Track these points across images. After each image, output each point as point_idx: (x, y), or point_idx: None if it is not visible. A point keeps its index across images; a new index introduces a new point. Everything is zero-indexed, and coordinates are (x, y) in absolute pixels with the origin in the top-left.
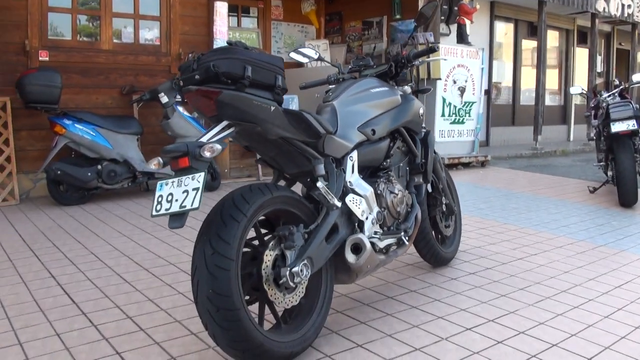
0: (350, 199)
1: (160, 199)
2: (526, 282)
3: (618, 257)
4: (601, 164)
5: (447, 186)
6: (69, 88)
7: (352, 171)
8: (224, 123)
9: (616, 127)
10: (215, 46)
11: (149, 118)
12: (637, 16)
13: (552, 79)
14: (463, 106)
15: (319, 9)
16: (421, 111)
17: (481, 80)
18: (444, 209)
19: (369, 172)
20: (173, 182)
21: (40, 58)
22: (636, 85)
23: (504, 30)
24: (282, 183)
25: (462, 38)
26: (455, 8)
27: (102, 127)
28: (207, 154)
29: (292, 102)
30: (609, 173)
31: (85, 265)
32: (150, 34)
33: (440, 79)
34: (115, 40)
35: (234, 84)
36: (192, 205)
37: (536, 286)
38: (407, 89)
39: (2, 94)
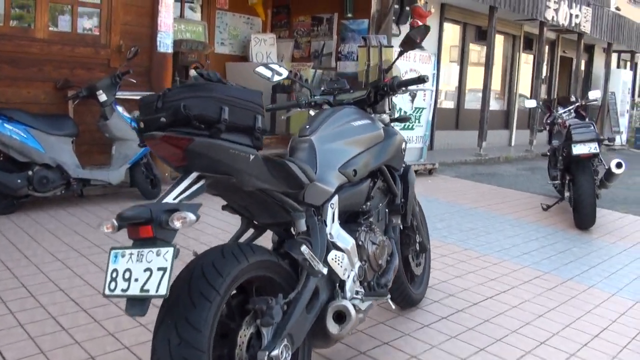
0: (332, 257)
1: (114, 275)
2: (503, 330)
3: (588, 296)
4: (556, 182)
5: (419, 222)
6: None
7: (333, 220)
8: (194, 175)
9: (578, 150)
10: (159, 40)
11: (85, 116)
12: (583, 26)
13: (496, 83)
14: (413, 112)
15: (266, 1)
16: (403, 146)
17: (432, 85)
18: (417, 247)
19: (346, 215)
20: (132, 254)
21: None
22: (592, 102)
23: (452, 33)
24: (249, 231)
25: None
26: (407, 8)
27: (34, 128)
28: (177, 224)
29: None
30: (566, 194)
31: (16, 304)
32: (89, 22)
33: None
34: (51, 28)
35: (207, 128)
36: (157, 290)
37: (513, 336)
38: (385, 117)
39: None
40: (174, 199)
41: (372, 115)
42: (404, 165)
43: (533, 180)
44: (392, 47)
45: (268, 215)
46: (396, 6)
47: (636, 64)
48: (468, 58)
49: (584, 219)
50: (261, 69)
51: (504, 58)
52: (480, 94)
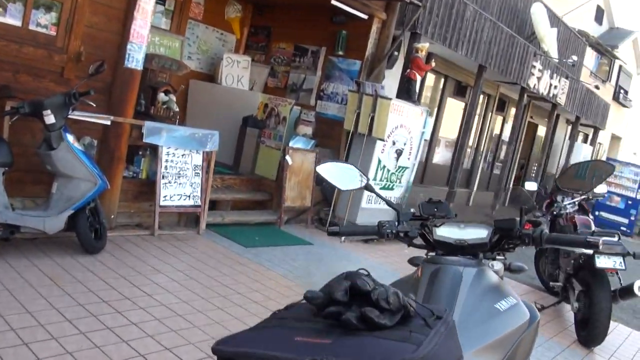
0: None
1: None
2: None
3: None
4: (557, 284)
5: None
6: None
7: None
8: None
9: (602, 263)
10: (128, 52)
11: (22, 134)
12: (559, 97)
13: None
14: (396, 171)
15: (244, 18)
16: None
17: (419, 144)
18: None
19: None
20: None
21: None
22: (598, 197)
23: (433, 84)
24: None
25: (408, 95)
26: (396, 53)
27: None
28: None
29: (212, 139)
30: (574, 303)
31: None
32: (45, 17)
33: (383, 139)
34: None
35: None
36: None
37: None
38: (500, 267)
39: None
40: None
41: (484, 262)
42: None
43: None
44: (390, 99)
45: None
46: (396, 53)
47: (594, 140)
48: (444, 112)
49: (595, 338)
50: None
51: (477, 116)
52: (451, 150)
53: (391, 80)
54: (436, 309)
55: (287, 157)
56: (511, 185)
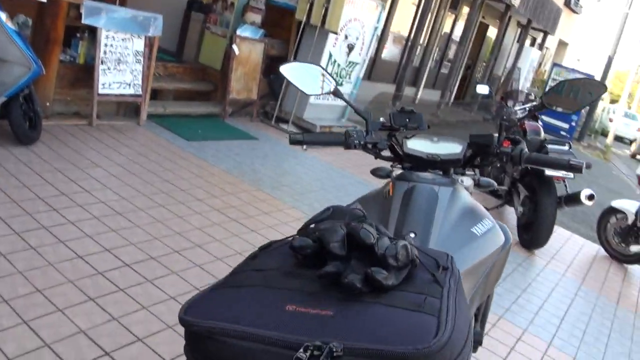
0: None
1: None
2: None
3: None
4: (502, 187)
5: None
6: None
7: None
8: None
9: (551, 171)
10: None
11: None
12: None
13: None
14: (346, 66)
15: None
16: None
17: (371, 40)
18: None
19: None
20: None
21: None
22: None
23: None
24: None
25: None
26: None
27: None
28: None
29: (155, 23)
30: (519, 208)
31: None
32: None
33: (336, 32)
34: None
35: None
36: None
37: None
38: (468, 182)
39: None
40: None
41: (455, 178)
42: None
43: None
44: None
45: None
46: None
47: (542, 44)
48: (397, 6)
49: (537, 242)
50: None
51: (430, 13)
52: (400, 47)
53: None
54: (439, 255)
55: (234, 46)
56: (478, 90)
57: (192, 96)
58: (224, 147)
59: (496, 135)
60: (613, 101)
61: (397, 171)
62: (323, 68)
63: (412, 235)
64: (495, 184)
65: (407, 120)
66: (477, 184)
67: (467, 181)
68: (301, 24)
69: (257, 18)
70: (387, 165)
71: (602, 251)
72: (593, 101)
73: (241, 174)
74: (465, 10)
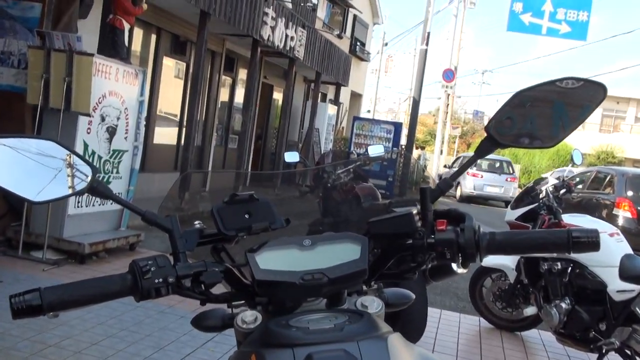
0: None
1: None
2: None
3: None
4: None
5: None
6: None
7: None
8: None
9: None
10: None
11: None
12: (297, 51)
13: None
14: (110, 157)
15: None
16: None
17: (137, 117)
18: None
19: None
20: None
21: None
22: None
23: (143, 40)
24: None
25: (115, 49)
26: None
27: None
28: None
29: None
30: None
31: None
32: None
33: (88, 114)
34: None
35: None
36: None
37: None
38: (374, 305)
39: None
40: None
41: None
42: None
43: None
44: (91, 55)
45: None
46: None
47: (336, 99)
48: (160, 77)
49: (410, 334)
50: None
51: (202, 79)
52: (176, 127)
53: (89, 31)
54: None
55: None
56: (286, 159)
57: None
58: None
59: (415, 211)
60: (421, 147)
61: (248, 316)
62: (63, 144)
63: None
64: (412, 295)
65: (247, 216)
66: (388, 303)
67: (371, 303)
68: (37, 110)
69: None
70: (222, 306)
71: (485, 322)
72: (592, 111)
73: None
74: (244, 71)
